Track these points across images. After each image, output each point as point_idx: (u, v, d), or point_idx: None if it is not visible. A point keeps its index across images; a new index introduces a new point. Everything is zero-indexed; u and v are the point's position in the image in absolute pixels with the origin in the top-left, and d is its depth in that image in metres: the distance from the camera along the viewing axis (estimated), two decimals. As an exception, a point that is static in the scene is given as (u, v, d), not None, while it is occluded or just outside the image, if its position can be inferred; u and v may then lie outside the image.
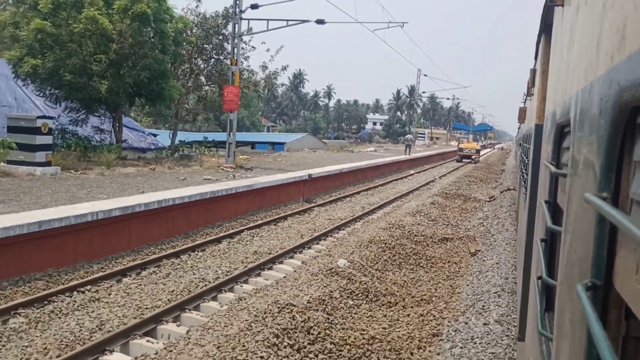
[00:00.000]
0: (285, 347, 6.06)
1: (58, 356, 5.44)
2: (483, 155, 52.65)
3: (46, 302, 6.85)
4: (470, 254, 12.03)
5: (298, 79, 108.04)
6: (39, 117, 13.46)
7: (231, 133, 18.41)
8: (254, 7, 17.63)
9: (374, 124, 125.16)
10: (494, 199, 20.60)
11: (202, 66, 24.29)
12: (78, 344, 5.80)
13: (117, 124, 19.19)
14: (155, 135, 27.83)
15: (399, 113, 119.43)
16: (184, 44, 19.87)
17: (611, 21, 1.04)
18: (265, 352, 5.78)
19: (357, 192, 19.88)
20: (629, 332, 1.03)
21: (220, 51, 24.13)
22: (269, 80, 24.47)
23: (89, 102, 17.33)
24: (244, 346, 5.79)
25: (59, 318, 6.48)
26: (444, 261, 11.03)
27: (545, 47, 3.96)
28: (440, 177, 28.33)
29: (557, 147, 2.35)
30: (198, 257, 9.68)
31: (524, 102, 10.24)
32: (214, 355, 5.58)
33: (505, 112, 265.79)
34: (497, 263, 10.60)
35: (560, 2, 2.61)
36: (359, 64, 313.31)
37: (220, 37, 23.60)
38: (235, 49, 18.11)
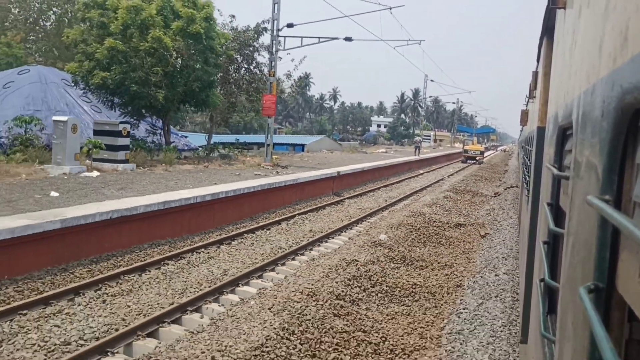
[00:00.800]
0: (354, 287, 8.78)
1: (210, 286, 8.19)
2: (486, 156, 55.45)
3: (179, 257, 9.61)
4: (481, 236, 14.76)
5: (304, 81, 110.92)
6: (120, 123, 16.26)
7: (269, 135, 21.18)
8: (290, 25, 20.46)
9: (378, 126, 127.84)
10: (498, 195, 23.37)
11: (233, 75, 27.07)
12: (218, 281, 8.56)
13: (166, 128, 21.98)
14: (186, 137, 30.65)
15: (403, 115, 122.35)
16: (223, 56, 22.66)
17: (613, 23, 1.03)
18: (342, 289, 8.50)
19: (378, 188, 22.65)
20: (632, 334, 1.04)
21: (250, 61, 26.92)
22: (294, 88, 27.21)
23: (147, 108, 20.10)
24: (328, 284, 8.52)
25: (194, 267, 9.25)
26: (459, 241, 13.74)
27: (548, 50, 3.96)
28: (448, 176, 31.09)
29: (560, 149, 2.33)
30: (268, 233, 12.45)
31: (526, 105, 10.40)
32: (311, 287, 8.29)
33: (508, 115, 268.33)
34: (503, 241, 13.36)
35: (562, 5, 2.59)
36: (363, 66, 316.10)
37: (251, 49, 26.39)
38: (273, 62, 20.86)
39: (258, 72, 27.22)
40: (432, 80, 51.92)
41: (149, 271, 8.70)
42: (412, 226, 13.72)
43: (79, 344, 5.91)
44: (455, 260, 11.76)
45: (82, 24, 20.73)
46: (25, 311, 6.55)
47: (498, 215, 17.72)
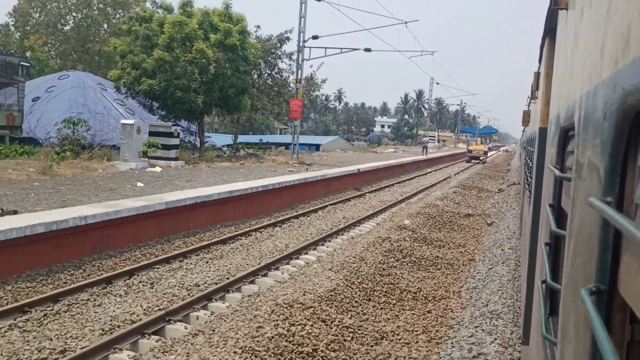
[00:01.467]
0: (390, 257, 11.17)
1: (280, 254, 10.59)
2: (489, 156, 57.85)
3: (248, 235, 12.04)
4: (487, 224, 17.16)
5: (309, 83, 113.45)
6: (173, 125, 18.70)
7: (295, 136, 23.63)
8: (315, 37, 22.92)
9: (382, 126, 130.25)
10: (502, 191, 25.78)
11: (257, 80, 29.53)
12: (284, 251, 10.97)
13: (200, 129, 24.43)
14: (209, 137, 33.14)
15: (406, 116, 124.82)
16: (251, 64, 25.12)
17: (616, 25, 1.04)
18: (381, 258, 10.87)
19: (392, 185, 25.06)
20: (634, 337, 1.04)
21: (272, 67, 29.37)
22: (313, 91, 29.68)
23: (187, 112, 22.55)
24: (370, 254, 10.90)
25: (262, 242, 11.67)
26: (469, 227, 16.14)
27: (549, 51, 3.98)
28: (454, 175, 33.51)
29: (561, 150, 2.34)
30: (309, 219, 14.86)
31: (528, 106, 10.47)
32: (356, 255, 10.66)
33: (509, 115, 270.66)
34: (507, 226, 15.76)
35: (564, 6, 2.59)
36: (367, 67, 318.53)
37: (274, 56, 28.84)
38: (300, 70, 23.32)
39: (279, 77, 29.68)
40: (437, 84, 54.32)
41: (230, 244, 11.13)
42: (429, 215, 16.12)
43: (205, 286, 8.33)
44: (467, 241, 14.16)
45: (127, 35, 23.15)
46: (157, 266, 8.98)
47: (502, 207, 20.12)
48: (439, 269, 11.12)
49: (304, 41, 22.94)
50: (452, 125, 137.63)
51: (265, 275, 9.36)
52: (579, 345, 1.17)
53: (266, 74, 29.63)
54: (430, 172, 35.32)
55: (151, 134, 18.52)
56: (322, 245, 12.05)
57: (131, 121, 16.67)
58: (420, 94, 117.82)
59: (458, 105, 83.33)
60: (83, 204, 10.01)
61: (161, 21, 21.44)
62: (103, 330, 6.39)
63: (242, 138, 32.76)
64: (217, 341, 5.87)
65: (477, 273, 10.74)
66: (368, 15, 22.79)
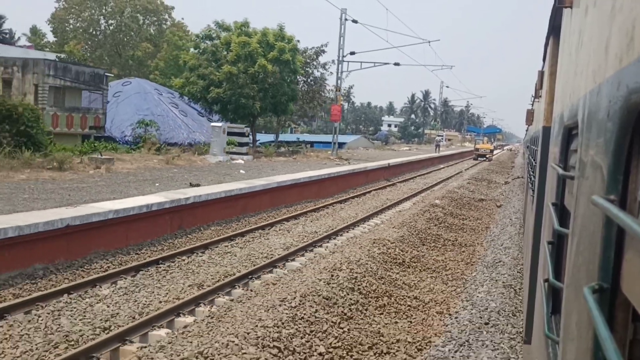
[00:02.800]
0: (430, 223, 15.92)
1: (345, 223, 15.32)
2: (495, 155, 62.58)
3: (324, 209, 16.79)
4: (497, 206, 21.91)
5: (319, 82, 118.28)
6: (245, 127, 23.48)
7: (335, 136, 28.41)
8: (352, 53, 27.71)
9: (389, 125, 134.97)
10: (508, 183, 30.54)
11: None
12: (356, 217, 15.70)
13: (254, 130, 29.22)
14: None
15: (413, 116, 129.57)
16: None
17: (620, 23, 1.05)
18: (425, 223, 15.61)
19: (414, 177, 29.82)
20: (636, 335, 1.04)
21: (308, 75, 34.14)
22: (342, 97, 34.46)
23: (244, 115, 27.32)
24: (417, 220, 15.61)
25: (339, 212, 16.40)
26: (483, 208, 20.87)
27: (554, 49, 4.04)
28: (465, 170, 38.26)
29: (565, 149, 2.36)
30: (363, 199, 19.60)
31: (532, 105, 10.48)
32: (407, 220, 15.38)
33: (513, 115, 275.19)
34: (513, 207, 20.50)
35: (568, 4, 2.62)
36: (374, 68, 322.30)
37: (310, 66, 33.61)
38: (339, 81, 28.10)
39: (313, 84, 34.47)
40: (447, 87, 59.08)
41: (319, 212, 15.89)
42: (452, 198, 20.86)
43: (319, 233, 13.07)
44: (482, 217, 18.88)
45: (194, 50, 27.94)
46: (284, 223, 13.74)
47: (508, 195, 24.87)
48: (465, 232, 15.85)
49: (343, 56, 27.72)
50: (457, 125, 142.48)
51: (353, 228, 14.14)
52: (581, 343, 1.17)
53: (302, 82, 34.41)
54: (443, 167, 40.11)
55: (229, 134, 23.31)
56: (379, 215, 16.83)
57: (219, 124, 21.47)
58: (426, 94, 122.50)
59: (465, 107, 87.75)
60: (225, 182, 14.80)
61: (227, 40, 26.23)
62: (265, 254, 11.13)
63: (280, 137, 37.58)
64: (348, 254, 10.58)
65: (492, 233, 15.50)
66: (396, 35, 27.37)
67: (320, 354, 6.31)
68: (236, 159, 22.14)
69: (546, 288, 2.36)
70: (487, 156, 52.88)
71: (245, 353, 5.60)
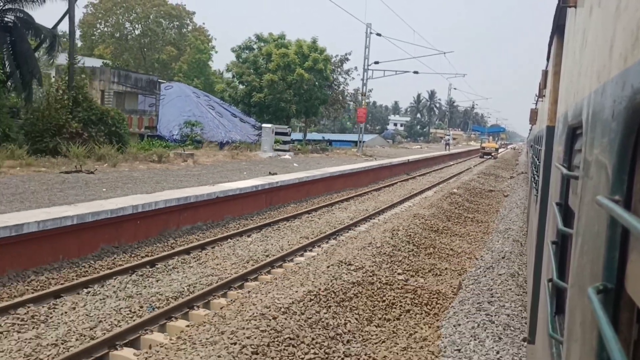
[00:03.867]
0: (452, 206, 19.95)
1: (390, 202, 19.32)
2: (499, 153, 66.55)
3: (362, 195, 20.79)
4: (504, 195, 25.93)
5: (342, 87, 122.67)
6: (287, 127, 27.50)
7: (361, 135, 32.42)
8: (376, 62, 31.71)
9: (395, 124, 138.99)
10: (513, 177, 34.53)
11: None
12: (392, 202, 19.69)
13: (289, 130, 33.24)
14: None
15: (419, 115, 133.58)
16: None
17: (625, 23, 1.06)
18: (448, 206, 19.62)
19: (429, 172, 33.81)
20: None
21: (332, 81, 38.10)
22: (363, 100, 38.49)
23: (281, 117, 31.35)
24: (442, 203, 19.61)
25: (376, 198, 20.41)
26: (493, 197, 24.88)
27: (558, 48, 4.06)
28: (474, 166, 42.24)
29: (569, 149, 2.37)
30: (392, 189, 23.60)
31: (536, 104, 10.48)
32: (434, 203, 19.38)
33: (516, 114, 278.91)
34: (517, 196, 24.52)
35: (573, 3, 2.64)
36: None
37: (335, 72, 37.57)
38: (365, 87, 32.09)
39: (337, 88, 38.48)
40: (455, 89, 62.96)
41: (358, 198, 19.89)
42: (466, 188, 24.85)
43: (365, 212, 17.06)
44: (492, 204, 22.88)
45: (237, 59, 31.98)
46: (338, 205, 17.74)
47: (514, 187, 28.87)
48: (480, 213, 19.84)
49: (368, 65, 31.73)
50: (461, 124, 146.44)
51: (392, 209, 18.15)
52: (585, 344, 1.18)
53: (326, 86, 38.41)
54: (453, 164, 44.11)
55: (277, 134, 27.34)
56: (409, 200, 20.84)
57: (269, 125, 25.50)
58: (432, 95, 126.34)
59: (474, 108, 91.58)
60: (288, 172, 18.83)
61: (268, 52, 30.27)
62: (339, 222, 15.09)
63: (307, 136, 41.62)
64: (398, 223, 14.53)
65: (502, 214, 19.50)
66: (414, 46, 31.17)
67: (399, 273, 10.29)
68: (282, 154, 26.17)
69: (550, 288, 2.36)
70: (493, 154, 56.81)
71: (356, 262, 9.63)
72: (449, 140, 54.30)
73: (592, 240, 1.26)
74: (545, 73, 5.41)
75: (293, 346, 6.06)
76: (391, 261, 10.63)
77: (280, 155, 25.85)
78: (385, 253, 10.89)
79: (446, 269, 11.00)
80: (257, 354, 5.65)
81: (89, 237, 9.08)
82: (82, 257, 8.92)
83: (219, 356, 5.45)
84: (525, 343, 6.02)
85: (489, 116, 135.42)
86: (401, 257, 10.99)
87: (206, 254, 10.11)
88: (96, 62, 43.08)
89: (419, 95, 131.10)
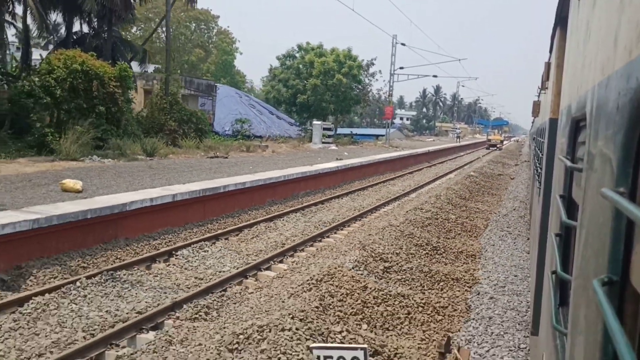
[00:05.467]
0: (471, 186, 26.09)
1: (421, 183, 25.39)
2: (504, 145, 72.61)
3: (396, 178, 26.89)
4: (511, 178, 32.09)
5: (368, 88, 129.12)
6: (331, 124, 33.52)
7: (387, 130, 38.47)
8: (401, 68, 37.74)
9: (401, 118, 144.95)
10: (517, 165, 40.63)
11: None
12: (421, 183, 25.77)
13: (332, 125, 39.29)
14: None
15: (424, 109, 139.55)
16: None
17: (630, 15, 1.06)
18: (468, 185, 25.74)
19: (445, 161, 39.87)
20: None
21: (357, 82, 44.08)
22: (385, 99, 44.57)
23: (320, 115, 37.40)
24: (462, 183, 25.70)
25: (411, 179, 26.51)
26: (502, 179, 31.02)
27: (561, 40, 4.06)
28: (482, 156, 48.28)
29: (573, 141, 2.39)
30: (421, 173, 29.69)
31: (538, 96, 10.80)
32: (457, 183, 25.44)
33: (519, 106, 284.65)
34: (521, 178, 30.63)
35: None
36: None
37: (362, 75, 43.52)
38: (391, 89, 38.10)
39: (362, 88, 44.49)
40: (463, 86, 68.98)
41: (398, 179, 25.99)
42: (479, 172, 30.95)
43: (407, 190, 23.14)
44: (502, 184, 28.99)
45: (281, 66, 37.99)
46: (384, 184, 23.82)
47: (518, 172, 34.97)
48: (493, 189, 25.96)
49: (394, 70, 37.73)
50: (465, 117, 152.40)
51: (427, 185, 24.25)
52: (589, 336, 1.18)
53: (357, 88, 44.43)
54: (464, 154, 50.20)
55: (324, 129, 33.37)
56: (436, 181, 26.93)
57: (319, 122, 31.56)
58: (437, 89, 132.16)
59: (476, 102, 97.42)
60: (347, 159, 24.91)
61: (311, 60, 36.30)
62: (393, 193, 21.16)
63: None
64: (437, 192, 20.55)
65: (510, 190, 25.62)
66: (431, 53, 37.19)
67: (447, 227, 16.35)
68: (329, 146, 32.25)
69: (554, 280, 2.38)
70: (498, 146, 62.83)
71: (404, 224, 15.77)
72: (459, 133, 60.29)
73: (596, 233, 1.26)
74: (547, 65, 5.40)
75: (410, 238, 12.05)
76: (442, 210, 16.70)
77: (328, 147, 31.91)
78: (437, 206, 16.97)
79: (475, 218, 17.08)
80: (398, 238, 11.66)
81: (261, 194, 15.15)
82: (260, 205, 14.96)
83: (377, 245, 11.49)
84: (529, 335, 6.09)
85: (493, 110, 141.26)
86: (446, 210, 17.06)
87: (330, 205, 16.25)
88: (149, 67, 49.08)
89: (424, 90, 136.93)
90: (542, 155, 5.65)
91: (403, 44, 36.09)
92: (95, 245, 9.15)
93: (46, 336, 6.02)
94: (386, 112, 38.66)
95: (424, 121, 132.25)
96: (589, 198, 1.45)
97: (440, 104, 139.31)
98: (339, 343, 5.75)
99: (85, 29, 29.65)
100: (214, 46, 71.76)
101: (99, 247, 9.16)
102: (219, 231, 11.36)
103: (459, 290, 8.87)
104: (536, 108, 9.75)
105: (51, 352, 5.63)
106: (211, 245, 10.32)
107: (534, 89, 13.74)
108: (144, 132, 26.25)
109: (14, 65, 29.52)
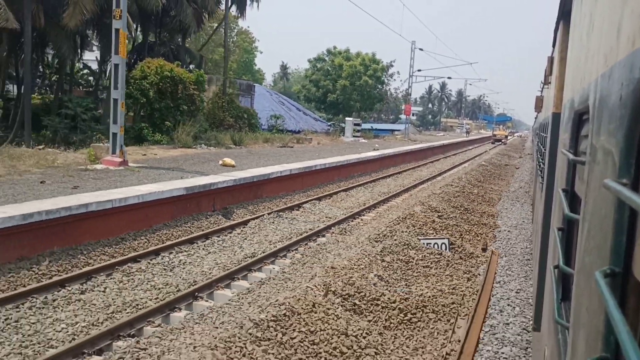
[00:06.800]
0: (485, 172, 31.52)
1: (445, 168, 30.72)
2: (509, 140, 77.93)
3: (428, 165, 32.26)
4: (516, 168, 37.50)
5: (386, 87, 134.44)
6: (359, 120, 38.82)
7: (406, 125, 43.78)
8: (419, 70, 43.00)
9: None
10: (521, 157, 45.99)
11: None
12: (444, 169, 31.12)
13: (360, 121, 44.63)
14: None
15: (430, 105, 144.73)
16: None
17: (633, 5, 1.07)
18: (482, 170, 31.17)
19: (457, 153, 45.18)
20: None
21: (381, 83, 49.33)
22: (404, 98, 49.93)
23: (347, 112, 42.69)
24: (478, 169, 31.07)
25: (437, 165, 31.86)
26: (508, 168, 36.43)
27: (564, 34, 4.08)
28: (489, 150, 53.62)
29: (575, 135, 2.41)
30: (440, 162, 35.03)
31: (541, 91, 10.83)
32: (473, 169, 30.79)
33: (522, 102, 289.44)
34: (525, 167, 35.98)
35: None
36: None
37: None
38: (410, 89, 43.37)
39: (381, 88, 49.77)
40: (470, 84, 74.29)
41: (423, 166, 31.32)
42: (489, 163, 36.30)
43: (433, 174, 28.49)
44: (508, 172, 34.36)
45: (312, 68, 43.26)
46: (419, 168, 29.18)
47: (522, 163, 40.32)
48: (501, 175, 31.35)
49: (413, 72, 43.03)
50: (470, 113, 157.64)
51: (448, 172, 29.59)
52: (591, 328, 1.20)
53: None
54: (472, 148, 55.56)
55: (354, 125, 38.66)
56: (454, 169, 32.26)
57: (351, 119, 36.83)
58: (443, 86, 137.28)
59: (480, 98, 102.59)
60: (388, 148, 30.28)
61: (340, 63, 41.57)
62: (425, 175, 26.49)
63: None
64: (460, 175, 25.84)
65: (516, 176, 31.00)
66: (447, 58, 42.47)
67: (471, 198, 21.70)
68: (359, 139, 37.56)
69: (556, 275, 2.41)
70: (503, 140, 68.12)
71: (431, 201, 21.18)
72: (468, 128, 65.58)
73: (598, 225, 1.27)
74: (551, 59, 5.46)
75: (448, 202, 17.29)
76: (466, 187, 22.02)
77: (358, 140, 37.20)
78: (461, 185, 22.29)
79: (491, 193, 22.41)
80: (441, 202, 16.95)
81: (332, 173, 20.43)
82: (332, 181, 20.22)
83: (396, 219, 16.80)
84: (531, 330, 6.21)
85: (497, 106, 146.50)
86: (468, 188, 22.39)
87: (380, 183, 21.60)
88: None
89: (430, 87, 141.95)
90: (545, 150, 5.80)
91: (421, 49, 41.34)
92: (255, 200, 14.48)
93: (273, 233, 11.36)
94: (405, 109, 43.98)
95: (429, 117, 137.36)
96: (592, 191, 1.44)
97: (446, 99, 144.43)
98: (431, 238, 11.11)
99: (152, 37, 34.88)
100: (235, 46, 76.87)
101: (257, 200, 14.51)
102: (319, 195, 16.70)
103: (488, 229, 14.20)
104: (539, 103, 9.97)
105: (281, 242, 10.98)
106: (319, 203, 15.64)
107: (537, 85, 14.96)
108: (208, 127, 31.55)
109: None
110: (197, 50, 35.43)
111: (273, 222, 12.49)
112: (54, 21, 21.09)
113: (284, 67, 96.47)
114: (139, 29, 33.10)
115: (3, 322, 6.16)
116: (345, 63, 41.00)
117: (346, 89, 40.90)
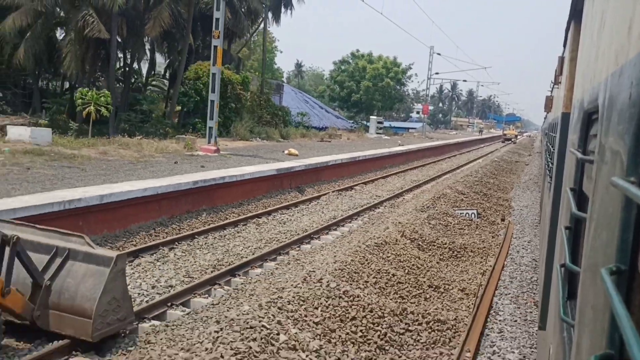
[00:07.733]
0: (498, 165, 35.13)
1: (464, 162, 34.30)
2: (518, 140, 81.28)
3: (446, 160, 35.86)
4: (526, 164, 41.04)
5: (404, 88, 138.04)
6: (382, 118, 42.43)
7: (423, 124, 47.34)
8: (437, 73, 46.50)
9: (418, 112, 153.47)
10: (530, 155, 49.46)
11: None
12: (462, 164, 34.71)
13: (382, 119, 48.27)
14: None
15: (440, 104, 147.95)
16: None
17: None
18: (496, 164, 34.78)
19: (470, 150, 48.67)
20: None
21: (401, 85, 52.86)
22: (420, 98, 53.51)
23: (369, 111, 46.33)
24: (493, 163, 34.66)
25: (454, 160, 35.45)
26: (518, 164, 40.00)
27: (575, 34, 4.11)
28: (500, 148, 57.09)
29: (584, 134, 2.43)
30: (456, 157, 38.58)
31: (551, 91, 11.03)
32: (488, 164, 34.39)
33: (531, 103, 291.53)
34: (534, 164, 39.50)
35: None
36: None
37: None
38: (428, 90, 46.89)
39: (399, 88, 53.34)
40: (481, 85, 77.69)
41: (443, 161, 34.93)
42: (501, 159, 39.83)
43: (453, 167, 32.08)
44: (519, 167, 37.93)
45: (338, 70, 46.89)
46: (437, 161, 32.80)
47: (532, 160, 43.84)
48: (512, 170, 34.92)
49: (431, 75, 46.55)
50: (479, 113, 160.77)
51: (465, 166, 33.19)
52: (597, 326, 1.21)
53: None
54: (484, 146, 59.10)
55: (377, 122, 42.27)
56: (469, 164, 35.81)
57: (375, 117, 40.44)
58: (454, 85, 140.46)
59: (490, 98, 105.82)
60: (410, 144, 33.93)
61: (363, 66, 45.20)
62: (445, 167, 30.07)
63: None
64: (476, 168, 29.41)
65: (525, 171, 34.57)
66: (462, 62, 46.00)
67: (488, 187, 25.31)
68: (382, 136, 41.17)
69: (563, 273, 2.43)
70: (513, 140, 71.48)
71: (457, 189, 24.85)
72: (482, 128, 69.04)
73: (606, 223, 1.27)
74: (561, 59, 5.49)
75: (470, 188, 20.88)
76: (482, 179, 25.63)
77: (381, 137, 40.82)
78: (478, 177, 25.90)
79: (505, 184, 26.00)
80: (465, 187, 20.57)
81: (368, 164, 24.08)
82: (369, 171, 23.87)
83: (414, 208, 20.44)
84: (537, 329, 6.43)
85: (507, 106, 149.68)
86: (485, 179, 25.99)
87: (409, 173, 25.23)
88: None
89: (441, 86, 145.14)
90: (554, 149, 5.83)
91: (438, 54, 44.90)
92: (316, 182, 18.18)
93: (342, 204, 15.07)
94: (423, 109, 47.54)
95: (440, 115, 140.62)
96: (600, 189, 1.45)
97: (456, 99, 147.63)
98: (463, 209, 14.76)
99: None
100: (256, 45, 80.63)
101: (319, 182, 18.21)
102: (364, 180, 20.39)
103: (505, 208, 17.83)
104: (549, 103, 9.95)
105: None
106: (365, 187, 19.30)
107: (547, 85, 15.00)
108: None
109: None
110: (236, 53, 39.16)
111: (337, 198, 16.19)
112: (133, 31, 24.81)
113: (298, 65, 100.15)
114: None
115: (207, 243, 9.94)
116: (368, 66, 44.58)
117: (369, 90, 44.50)
